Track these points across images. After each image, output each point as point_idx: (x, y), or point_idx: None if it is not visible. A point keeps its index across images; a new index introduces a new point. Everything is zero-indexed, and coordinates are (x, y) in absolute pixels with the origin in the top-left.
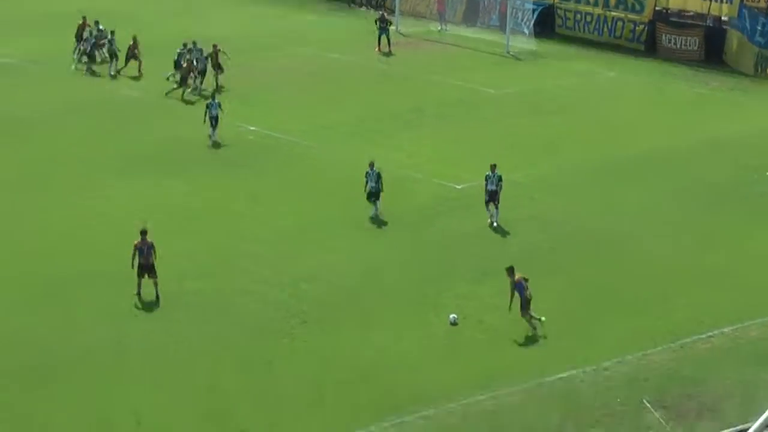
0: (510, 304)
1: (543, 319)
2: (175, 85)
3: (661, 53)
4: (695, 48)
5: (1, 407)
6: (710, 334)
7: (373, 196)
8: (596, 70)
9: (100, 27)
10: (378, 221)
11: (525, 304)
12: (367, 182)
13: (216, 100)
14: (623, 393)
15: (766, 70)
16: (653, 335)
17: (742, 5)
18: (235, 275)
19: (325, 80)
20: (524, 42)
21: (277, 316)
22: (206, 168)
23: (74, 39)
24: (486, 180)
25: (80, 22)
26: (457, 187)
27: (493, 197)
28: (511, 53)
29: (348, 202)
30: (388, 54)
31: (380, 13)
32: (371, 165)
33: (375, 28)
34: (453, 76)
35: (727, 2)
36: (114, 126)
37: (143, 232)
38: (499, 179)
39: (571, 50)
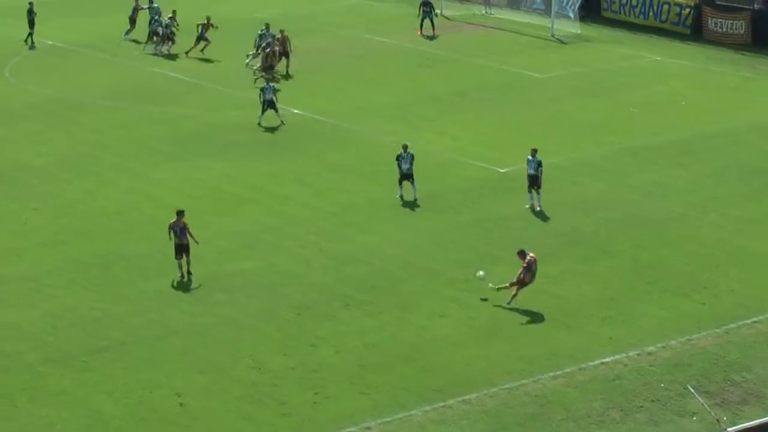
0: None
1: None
2: (259, 72)
3: (706, 37)
4: (741, 32)
5: (49, 386)
6: (756, 319)
7: (409, 177)
8: (641, 53)
9: (154, 4)
10: (420, 204)
11: (518, 283)
12: (400, 165)
13: (271, 84)
14: (667, 378)
15: None
16: (698, 320)
17: None
18: (279, 257)
19: (368, 63)
20: (569, 25)
21: (321, 298)
22: (251, 150)
23: (128, 21)
24: (527, 164)
25: (134, 4)
26: (501, 170)
27: (534, 182)
28: (555, 37)
29: (390, 185)
30: (432, 37)
31: None
32: (405, 147)
33: (418, 11)
34: (497, 59)
35: None
36: (161, 109)
37: (179, 213)
38: (539, 164)
39: (617, 34)
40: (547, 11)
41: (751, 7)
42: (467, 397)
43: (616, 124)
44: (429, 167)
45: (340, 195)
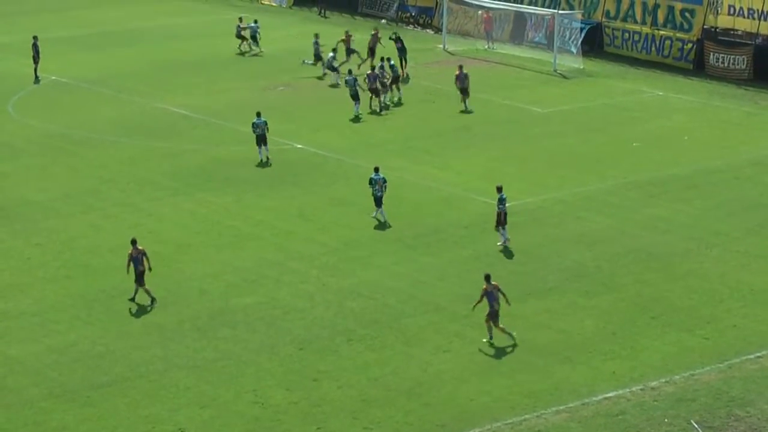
0: (474, 307)
1: (514, 334)
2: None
3: (709, 72)
4: (744, 66)
5: (52, 422)
6: (759, 354)
7: (379, 201)
8: (644, 88)
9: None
10: (422, 238)
11: (492, 314)
12: (372, 187)
13: (262, 119)
14: (671, 413)
15: None
16: (701, 355)
17: None
18: (282, 292)
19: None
20: (572, 60)
21: (323, 333)
22: (254, 185)
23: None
24: (497, 203)
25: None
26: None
27: (502, 219)
28: (558, 72)
29: (394, 220)
30: (406, 79)
31: (395, 34)
32: (376, 170)
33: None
34: (500, 94)
35: None
36: (163, 144)
37: (134, 242)
38: (504, 201)
39: (619, 69)
40: (549, 46)
41: (753, 42)
42: None
43: (619, 159)
44: (432, 201)
45: (342, 230)
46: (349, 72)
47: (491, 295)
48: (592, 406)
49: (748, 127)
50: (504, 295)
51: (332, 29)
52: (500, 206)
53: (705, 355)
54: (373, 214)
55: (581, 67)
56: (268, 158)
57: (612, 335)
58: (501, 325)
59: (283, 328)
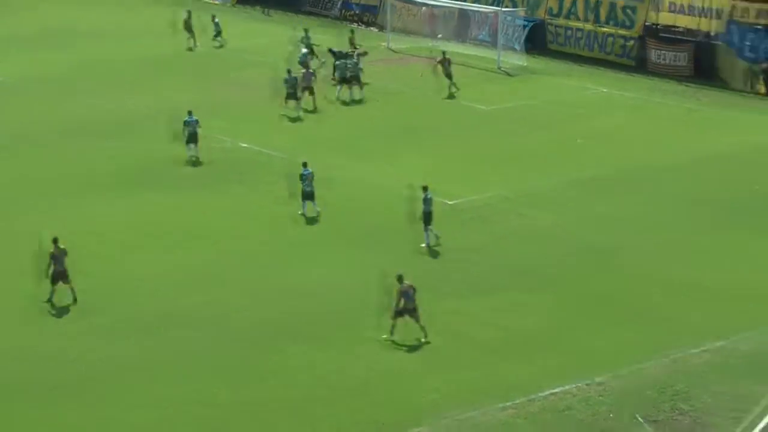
0: (393, 315)
1: (384, 337)
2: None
3: (651, 69)
4: (685, 63)
5: (1, 426)
6: (703, 348)
7: (310, 196)
8: (587, 85)
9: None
10: (369, 236)
11: (410, 311)
12: (303, 183)
13: (194, 117)
14: (616, 408)
15: (755, 85)
16: (646, 349)
17: (730, 21)
18: (229, 292)
19: (316, 95)
20: (515, 58)
21: (269, 331)
22: (200, 185)
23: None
24: (423, 203)
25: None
26: (449, 202)
27: (428, 219)
28: (502, 69)
29: (339, 218)
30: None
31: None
32: (304, 165)
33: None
34: (444, 92)
35: (716, 18)
36: (109, 144)
37: (55, 240)
38: (431, 201)
39: (562, 66)
40: (493, 43)
41: (694, 39)
42: (416, 430)
43: (563, 156)
44: (377, 199)
45: (288, 228)
46: (288, 71)
47: (407, 294)
48: (538, 402)
49: (689, 123)
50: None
51: (275, 27)
52: (425, 206)
53: (650, 350)
54: (301, 211)
55: (525, 64)
56: (197, 158)
57: (557, 331)
58: (422, 323)
59: (230, 328)
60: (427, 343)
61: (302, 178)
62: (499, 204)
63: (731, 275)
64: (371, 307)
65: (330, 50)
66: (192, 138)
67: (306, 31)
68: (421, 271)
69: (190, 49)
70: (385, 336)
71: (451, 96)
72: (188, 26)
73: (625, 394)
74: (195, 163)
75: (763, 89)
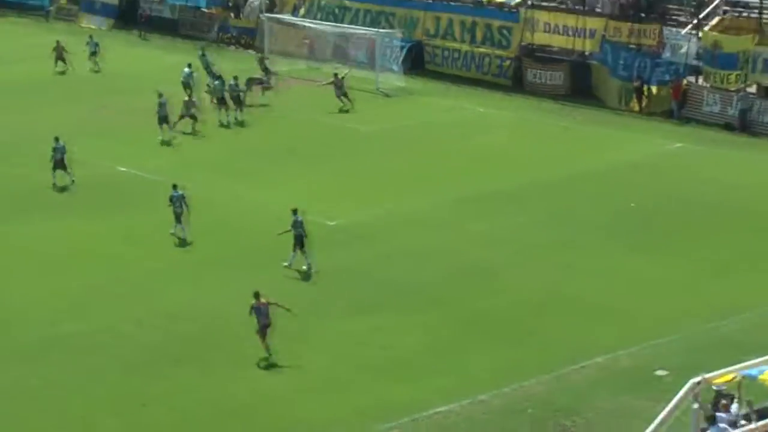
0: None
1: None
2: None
3: (527, 88)
4: (560, 82)
5: None
6: (583, 364)
7: (178, 218)
8: (465, 105)
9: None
10: (250, 258)
11: (261, 329)
12: (173, 205)
13: (61, 143)
14: (500, 425)
15: (629, 103)
16: (528, 367)
17: (604, 40)
18: (109, 317)
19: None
20: (394, 79)
21: (151, 357)
22: (78, 210)
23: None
24: (293, 226)
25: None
26: (330, 223)
27: (300, 242)
28: (380, 90)
29: (218, 240)
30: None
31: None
32: (174, 187)
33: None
34: (323, 114)
35: (589, 37)
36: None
37: None
38: (301, 223)
39: (441, 86)
40: (371, 65)
41: (569, 59)
42: None
43: (442, 176)
44: (258, 221)
45: (169, 252)
46: (160, 95)
47: (259, 310)
48: (422, 422)
49: (566, 141)
50: (283, 306)
51: (152, 51)
52: (295, 229)
53: (532, 368)
54: (172, 231)
55: (403, 85)
56: (73, 181)
57: (440, 351)
58: (267, 342)
59: (111, 354)
60: (270, 363)
61: (172, 199)
62: (380, 224)
63: (609, 292)
64: (253, 330)
65: (210, 71)
66: (59, 164)
67: (203, 49)
68: (303, 292)
69: (63, 73)
70: (265, 356)
71: (343, 111)
72: (59, 53)
73: (509, 412)
74: (68, 188)
75: (636, 107)
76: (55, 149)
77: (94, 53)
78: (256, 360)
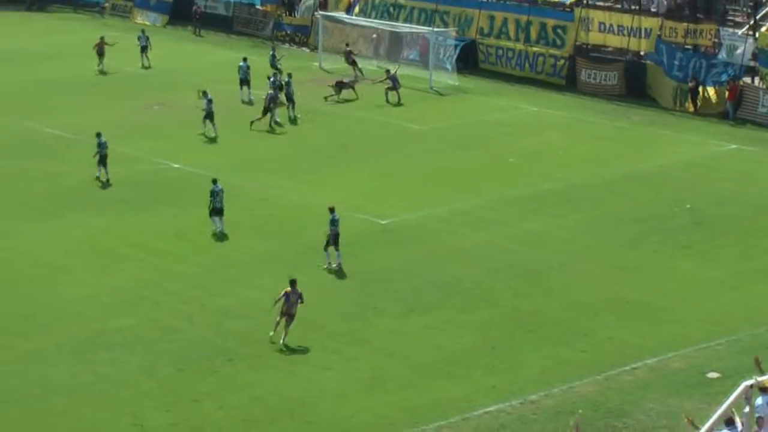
0: (274, 305)
1: (271, 334)
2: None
3: (581, 88)
4: (615, 82)
5: None
6: (634, 365)
7: (218, 213)
8: (518, 104)
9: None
10: (303, 256)
11: (287, 317)
12: (211, 200)
13: (104, 139)
14: (550, 426)
15: (684, 103)
16: (578, 367)
17: (659, 40)
18: (160, 313)
19: (248, 117)
20: (447, 77)
21: (203, 354)
22: (130, 206)
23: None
24: (330, 224)
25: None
26: (382, 222)
27: (335, 240)
28: (434, 89)
29: (272, 238)
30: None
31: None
32: (214, 181)
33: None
34: (377, 112)
35: (645, 37)
36: (37, 165)
37: None
38: (337, 221)
39: (494, 85)
40: (425, 64)
41: (624, 59)
42: None
43: (495, 175)
44: (312, 220)
45: (221, 249)
46: (205, 93)
47: (288, 297)
48: (472, 421)
49: (620, 141)
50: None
51: (207, 48)
52: (332, 227)
53: (582, 368)
54: (216, 228)
55: (457, 84)
56: (108, 180)
57: (491, 350)
58: (289, 329)
59: (162, 350)
60: (286, 348)
61: (213, 194)
62: (432, 223)
63: (661, 294)
64: (305, 328)
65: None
66: (102, 160)
67: (273, 49)
68: (355, 292)
69: (102, 72)
70: (271, 333)
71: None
72: (101, 48)
73: (559, 413)
74: (126, 184)
75: (691, 108)
76: (99, 145)
77: (144, 48)
78: (309, 359)
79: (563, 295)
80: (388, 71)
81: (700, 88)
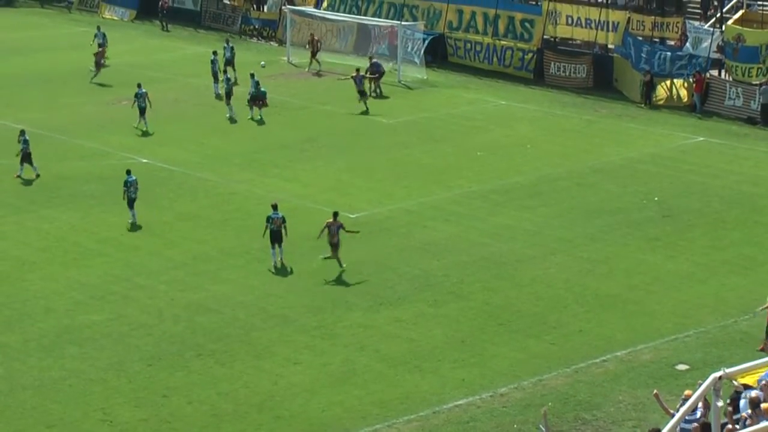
0: (318, 236)
1: (344, 266)
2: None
3: (549, 81)
4: (583, 75)
5: None
6: (604, 358)
7: (131, 204)
8: (487, 98)
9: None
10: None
11: (332, 246)
12: (125, 190)
13: (27, 136)
14: (520, 419)
15: (652, 96)
16: (548, 360)
17: (626, 33)
18: (130, 308)
19: (216, 111)
20: (415, 71)
21: (172, 348)
22: (99, 201)
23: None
24: (269, 221)
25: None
26: (351, 216)
27: (277, 238)
28: (402, 82)
29: (241, 233)
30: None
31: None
32: (128, 172)
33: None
34: (345, 106)
35: (612, 31)
36: (3, 161)
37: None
38: (283, 219)
39: (462, 79)
40: (393, 57)
41: (592, 52)
42: None
43: (464, 168)
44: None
45: (190, 244)
46: (252, 75)
47: (330, 228)
48: (442, 414)
49: (588, 134)
50: (346, 230)
51: (175, 42)
52: (272, 225)
53: (552, 361)
54: (131, 219)
55: (425, 77)
56: (38, 176)
57: (461, 343)
58: (338, 256)
59: (132, 345)
60: (342, 270)
61: (126, 184)
62: (402, 216)
63: (630, 286)
64: (274, 323)
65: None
66: (26, 158)
67: (227, 42)
68: (325, 285)
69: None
70: (321, 257)
71: (365, 112)
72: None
73: (528, 406)
74: (94, 179)
75: (645, 100)
76: (23, 141)
77: (102, 45)
78: (278, 354)
79: (532, 288)
80: (357, 70)
81: (668, 82)
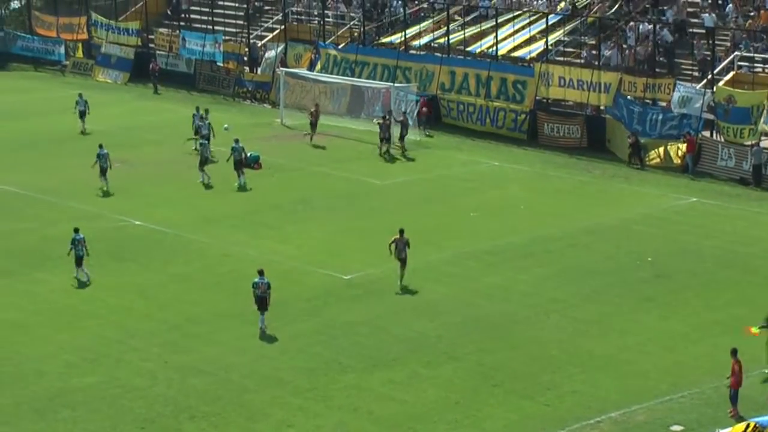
0: (390, 253)
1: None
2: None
3: (542, 142)
4: (577, 136)
5: None
6: (598, 419)
7: (79, 262)
8: (480, 159)
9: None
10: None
11: (400, 261)
12: (72, 248)
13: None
14: None
15: (644, 158)
16: (542, 421)
17: (618, 94)
18: (122, 371)
19: (210, 172)
20: (410, 132)
21: (166, 411)
22: (91, 263)
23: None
24: (255, 287)
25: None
26: (345, 277)
27: (262, 304)
28: (396, 144)
29: (234, 295)
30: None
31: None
32: (76, 230)
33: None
34: (338, 167)
35: (604, 92)
36: None
37: None
38: (269, 285)
39: (456, 140)
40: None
41: (584, 113)
42: None
43: (457, 229)
44: (273, 275)
45: (183, 306)
46: (236, 141)
47: (397, 244)
48: None
49: (581, 195)
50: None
51: (167, 105)
52: (254, 289)
53: (546, 422)
54: (75, 274)
55: (419, 139)
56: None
57: (455, 404)
58: (404, 272)
59: (125, 407)
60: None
61: (74, 242)
62: (395, 277)
63: (623, 347)
64: (267, 385)
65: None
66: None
67: (197, 109)
68: (319, 347)
69: (82, 133)
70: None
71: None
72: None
73: None
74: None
75: (638, 162)
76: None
77: (83, 113)
78: (271, 416)
79: (527, 349)
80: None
81: (660, 143)
